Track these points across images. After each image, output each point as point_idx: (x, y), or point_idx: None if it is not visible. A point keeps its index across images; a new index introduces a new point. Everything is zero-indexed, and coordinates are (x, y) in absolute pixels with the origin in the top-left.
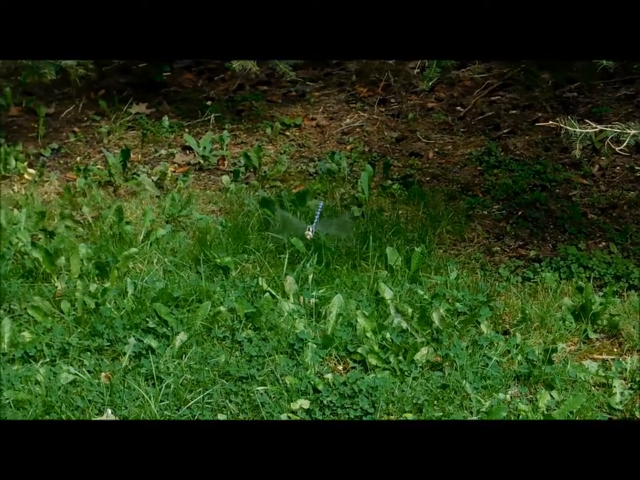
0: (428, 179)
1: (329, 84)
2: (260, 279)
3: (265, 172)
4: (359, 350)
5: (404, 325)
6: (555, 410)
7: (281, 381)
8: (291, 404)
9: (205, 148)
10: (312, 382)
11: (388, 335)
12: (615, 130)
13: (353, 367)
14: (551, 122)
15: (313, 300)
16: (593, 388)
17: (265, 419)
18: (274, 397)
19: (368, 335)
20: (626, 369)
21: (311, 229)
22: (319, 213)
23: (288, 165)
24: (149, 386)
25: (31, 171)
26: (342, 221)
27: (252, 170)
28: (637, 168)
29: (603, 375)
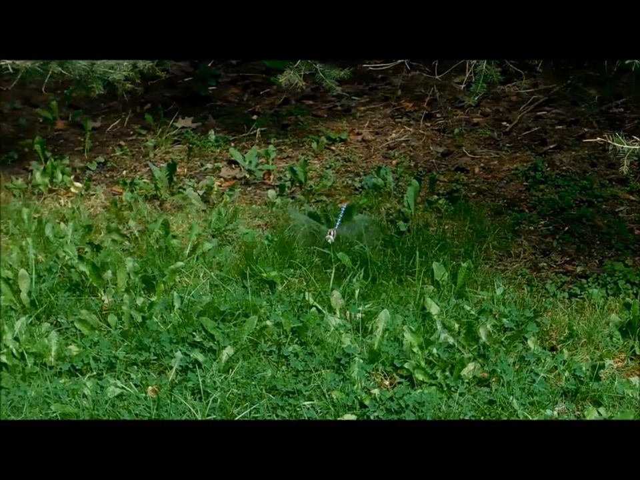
0: (474, 194)
1: (374, 98)
2: (306, 293)
3: (310, 186)
4: (406, 365)
5: (450, 340)
6: None
7: (327, 396)
8: (338, 419)
9: (250, 162)
10: (359, 397)
11: (434, 351)
12: None
13: (399, 382)
14: (597, 138)
15: (359, 315)
16: None
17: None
18: (320, 412)
19: (415, 350)
20: None
21: (332, 233)
22: (341, 217)
23: (334, 180)
24: (195, 400)
25: (78, 184)
26: (363, 225)
27: (298, 184)
28: None
29: None
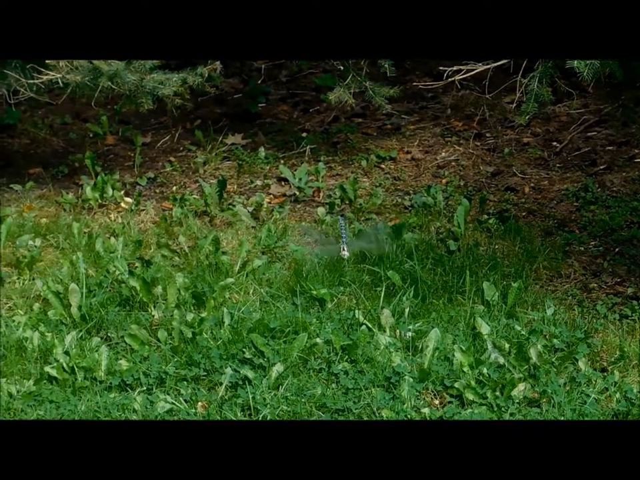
0: (524, 214)
1: (424, 117)
2: (356, 311)
3: (360, 204)
4: (456, 385)
5: (501, 360)
6: None
7: (377, 414)
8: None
9: (300, 179)
10: (408, 416)
11: (485, 370)
12: None
13: (449, 402)
14: None
15: (409, 333)
16: None
17: None
18: None
19: (465, 369)
20: None
21: (345, 248)
22: (344, 231)
23: (383, 198)
24: (245, 416)
25: (128, 199)
26: (372, 235)
27: (347, 202)
28: None
29: None
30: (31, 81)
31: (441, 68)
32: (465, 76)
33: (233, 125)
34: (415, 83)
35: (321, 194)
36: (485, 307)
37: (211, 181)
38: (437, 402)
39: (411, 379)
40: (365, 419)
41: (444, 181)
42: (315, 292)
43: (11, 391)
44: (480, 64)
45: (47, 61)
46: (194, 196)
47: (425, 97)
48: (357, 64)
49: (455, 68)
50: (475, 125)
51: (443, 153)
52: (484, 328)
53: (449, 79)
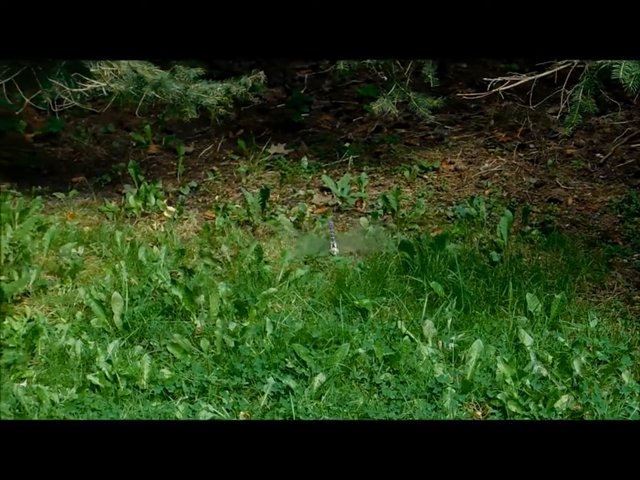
0: (567, 225)
1: (467, 128)
2: (399, 322)
3: (403, 215)
4: (499, 396)
5: (544, 372)
6: None
7: None
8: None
9: (343, 189)
10: None
11: (528, 382)
12: None
13: (492, 413)
14: None
15: (451, 344)
16: None
17: None
18: None
19: (507, 381)
20: None
21: (334, 245)
22: (333, 231)
23: (426, 208)
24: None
25: (171, 208)
26: (364, 236)
27: (390, 212)
28: None
29: None
30: (75, 90)
31: (484, 79)
32: (508, 87)
33: (275, 134)
34: (458, 94)
35: (364, 204)
36: (527, 319)
37: (254, 191)
38: (479, 413)
39: (454, 390)
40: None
41: (487, 191)
42: (357, 302)
43: (54, 399)
44: (524, 75)
45: (91, 70)
46: (236, 205)
47: (468, 108)
48: (400, 74)
49: (498, 79)
50: (518, 136)
51: (486, 164)
52: (527, 339)
53: (493, 90)
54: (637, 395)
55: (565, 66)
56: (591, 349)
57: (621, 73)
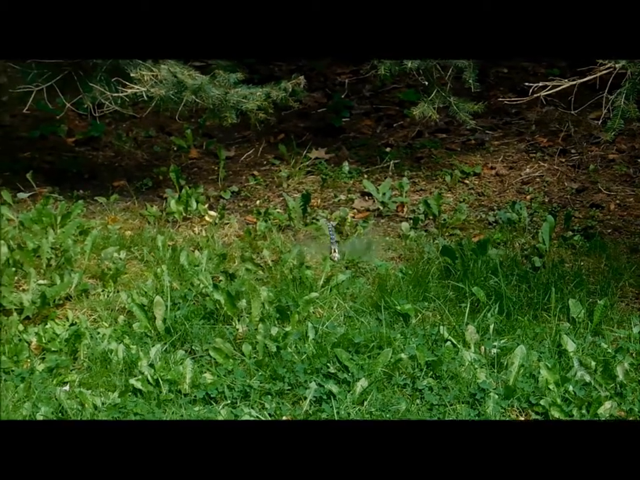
0: (609, 230)
1: (508, 133)
2: (441, 327)
3: (444, 220)
4: (542, 402)
5: (587, 378)
6: None
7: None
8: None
9: (384, 194)
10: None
11: (571, 388)
12: None
13: (535, 419)
14: None
15: (494, 350)
16: None
17: None
18: None
19: (550, 387)
20: None
21: (336, 250)
22: (332, 235)
23: (467, 213)
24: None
25: (212, 212)
26: (366, 241)
27: (431, 217)
28: None
29: None
30: (116, 94)
31: (525, 84)
32: (550, 92)
33: (316, 139)
34: (499, 99)
35: (405, 209)
36: (570, 324)
37: (295, 195)
38: (522, 419)
39: (496, 396)
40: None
41: (528, 197)
42: (399, 307)
43: (96, 403)
44: (565, 80)
45: (131, 74)
46: (277, 210)
47: (509, 113)
48: (441, 79)
49: (540, 84)
50: (560, 141)
51: (528, 169)
52: (570, 345)
53: (534, 95)
54: None
55: (607, 71)
56: (634, 354)
57: None
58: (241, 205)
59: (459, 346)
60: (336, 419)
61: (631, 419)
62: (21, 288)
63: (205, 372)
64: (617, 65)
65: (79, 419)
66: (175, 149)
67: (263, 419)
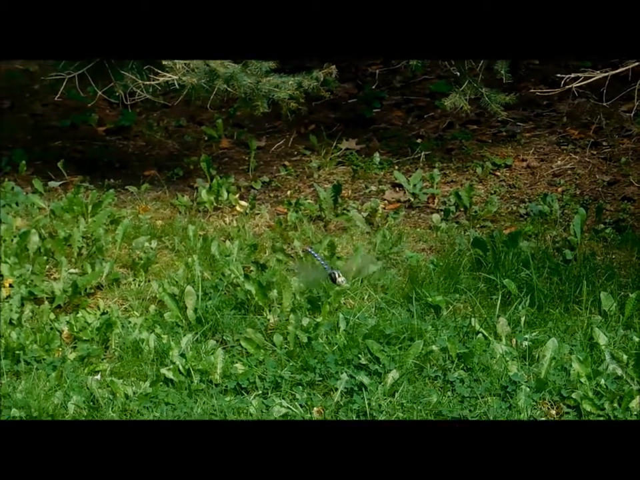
0: None
1: (539, 125)
2: (472, 319)
3: (475, 211)
4: (573, 395)
5: (619, 371)
6: None
7: None
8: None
9: (415, 185)
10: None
11: (602, 381)
12: None
13: (566, 412)
14: None
15: (525, 342)
16: None
17: None
18: None
19: (582, 380)
20: None
21: (339, 275)
22: (321, 259)
23: (498, 205)
24: None
25: (243, 203)
26: (360, 256)
27: (462, 209)
28: None
29: None
30: (147, 83)
31: (557, 75)
32: (581, 84)
33: (347, 130)
34: (530, 90)
35: (436, 200)
36: (602, 317)
37: (326, 186)
38: (553, 412)
39: (528, 389)
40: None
41: (559, 189)
42: (430, 299)
43: (127, 392)
44: (597, 72)
45: (163, 62)
46: (308, 200)
47: (540, 105)
48: (472, 70)
49: (572, 75)
50: (591, 134)
51: (559, 161)
52: (601, 338)
53: (566, 87)
54: None
55: (639, 63)
56: None
57: None
58: (272, 195)
59: (490, 338)
60: (367, 410)
61: None
62: (52, 277)
63: (236, 362)
64: None
65: (110, 408)
66: (206, 138)
67: (294, 409)
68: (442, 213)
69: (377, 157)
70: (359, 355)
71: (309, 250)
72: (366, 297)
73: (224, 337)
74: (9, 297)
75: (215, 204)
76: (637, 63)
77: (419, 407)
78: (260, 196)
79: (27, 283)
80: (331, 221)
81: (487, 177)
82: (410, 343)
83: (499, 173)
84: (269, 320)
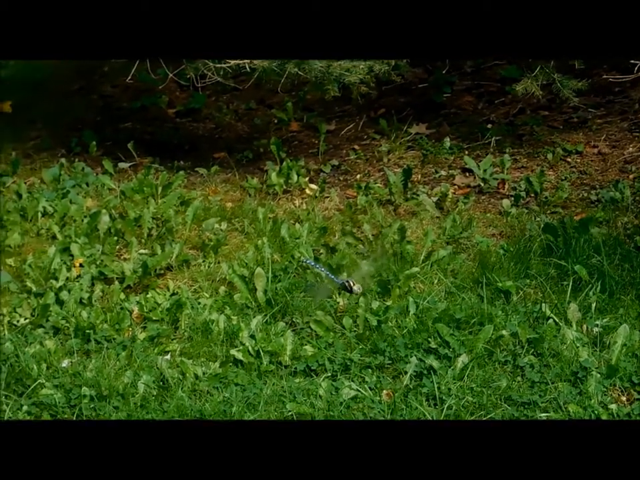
0: None
1: (611, 111)
2: (543, 304)
3: (546, 197)
4: None
5: None
6: None
7: (564, 409)
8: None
9: (485, 171)
10: (596, 412)
11: None
12: None
13: (637, 399)
14: None
15: (596, 329)
16: None
17: None
18: None
19: None
20: None
21: (352, 282)
22: (323, 269)
23: (569, 192)
24: (430, 406)
25: (312, 186)
26: (366, 268)
27: (533, 195)
28: None
29: None
30: (218, 65)
31: (630, 61)
32: None
33: (417, 114)
34: (603, 76)
35: (506, 186)
36: None
37: (395, 170)
38: (624, 398)
39: (598, 375)
40: (551, 413)
41: (631, 176)
42: (500, 284)
43: (197, 372)
44: None
45: None
46: (378, 184)
47: (612, 91)
48: None
49: None
50: None
51: (630, 148)
52: None
53: (638, 73)
54: None
55: None
56: None
57: None
58: (341, 178)
59: (560, 324)
60: (437, 394)
61: None
62: (122, 257)
63: (306, 344)
64: None
65: (180, 388)
66: (276, 121)
67: (363, 392)
68: (512, 198)
69: (447, 142)
70: (429, 339)
71: (310, 262)
72: (436, 281)
73: (293, 319)
74: (79, 276)
75: (284, 187)
76: None
77: (488, 392)
78: (329, 179)
79: (97, 263)
80: (400, 205)
81: (558, 163)
82: (480, 327)
83: (569, 159)
84: (338, 303)
